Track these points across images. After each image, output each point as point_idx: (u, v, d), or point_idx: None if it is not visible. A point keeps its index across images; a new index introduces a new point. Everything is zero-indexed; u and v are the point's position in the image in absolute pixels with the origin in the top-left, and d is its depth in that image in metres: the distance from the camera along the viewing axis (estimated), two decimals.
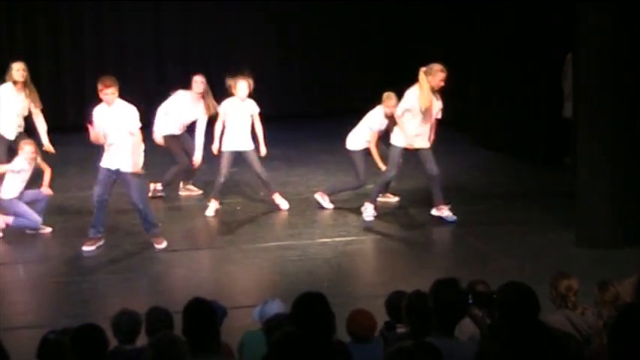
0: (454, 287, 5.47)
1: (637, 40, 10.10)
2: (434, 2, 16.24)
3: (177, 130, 12.33)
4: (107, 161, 10.46)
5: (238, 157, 11.68)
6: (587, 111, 10.40)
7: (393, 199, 12.08)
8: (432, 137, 11.29)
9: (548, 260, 9.85)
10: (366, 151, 11.74)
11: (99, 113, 10.43)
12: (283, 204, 11.95)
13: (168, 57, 16.97)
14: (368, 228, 11.07)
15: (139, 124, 10.43)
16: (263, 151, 11.72)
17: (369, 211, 11.11)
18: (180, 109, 12.21)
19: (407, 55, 16.46)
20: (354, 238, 10.92)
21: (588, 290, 6.70)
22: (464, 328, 5.88)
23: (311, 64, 17.38)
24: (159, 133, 12.23)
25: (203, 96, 12.13)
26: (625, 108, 10.19)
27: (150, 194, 12.09)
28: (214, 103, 12.06)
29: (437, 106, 11.14)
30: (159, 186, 12.45)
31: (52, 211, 11.55)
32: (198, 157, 12.20)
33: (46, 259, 10.55)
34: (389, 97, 11.69)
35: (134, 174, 10.38)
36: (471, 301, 5.96)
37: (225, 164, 11.62)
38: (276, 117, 14.33)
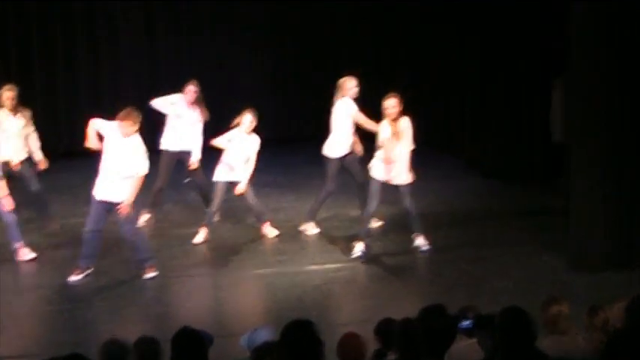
0: (441, 314, 5.42)
1: (629, 61, 10.10)
2: (425, 28, 16.26)
3: (175, 146, 12.32)
4: (102, 193, 10.37)
5: (231, 186, 11.65)
6: (578, 134, 10.40)
7: (376, 224, 11.98)
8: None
9: (541, 284, 9.83)
10: (341, 160, 11.78)
11: (113, 134, 10.33)
12: (271, 233, 11.90)
13: (163, 84, 16.94)
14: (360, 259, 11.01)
15: (147, 168, 10.39)
16: (243, 187, 11.63)
17: (357, 248, 11.04)
18: (178, 118, 12.25)
19: (399, 81, 16.49)
20: (343, 264, 10.87)
21: (580, 314, 6.65)
22: (454, 353, 5.82)
23: (301, 89, 17.37)
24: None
25: (197, 103, 12.22)
26: (616, 132, 10.18)
27: (144, 224, 12.16)
28: (206, 110, 12.25)
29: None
30: (146, 215, 12.40)
31: (43, 238, 11.50)
32: (195, 158, 12.18)
33: (36, 287, 10.49)
34: (345, 81, 11.81)
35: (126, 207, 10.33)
36: (471, 325, 5.92)
37: (219, 194, 11.60)
38: (266, 142, 14.28)
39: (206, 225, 11.72)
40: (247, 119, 11.54)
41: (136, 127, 10.30)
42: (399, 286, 10.44)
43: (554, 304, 6.50)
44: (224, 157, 11.60)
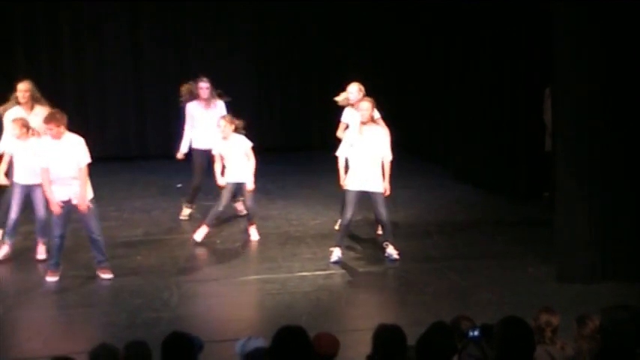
0: (449, 334, 5.45)
1: (613, 73, 10.16)
2: (413, 37, 16.33)
3: (203, 144, 12.53)
4: (59, 193, 10.46)
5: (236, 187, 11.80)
6: (564, 146, 10.46)
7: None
8: None
9: (527, 295, 9.86)
10: None
11: (47, 147, 10.42)
12: (254, 235, 12.04)
13: (148, 96, 16.99)
14: (336, 264, 11.05)
15: (89, 159, 10.46)
16: (250, 185, 11.77)
17: (335, 254, 11.10)
18: (202, 121, 12.54)
19: (385, 90, 16.56)
20: (333, 271, 10.91)
21: (567, 325, 6.70)
22: None
23: (290, 98, 17.42)
24: (184, 148, 12.59)
25: (211, 100, 12.53)
26: (601, 143, 10.24)
27: (186, 218, 12.64)
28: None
29: None
30: (186, 210, 12.82)
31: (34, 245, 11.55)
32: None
33: (23, 292, 10.48)
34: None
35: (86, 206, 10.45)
36: (478, 335, 5.96)
37: (225, 195, 11.75)
38: (255, 150, 14.33)
39: (207, 224, 11.82)
40: (221, 124, 11.74)
41: (63, 126, 10.36)
42: (388, 294, 10.49)
43: (545, 314, 6.55)
44: (226, 164, 11.86)
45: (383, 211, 11.06)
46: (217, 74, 16.82)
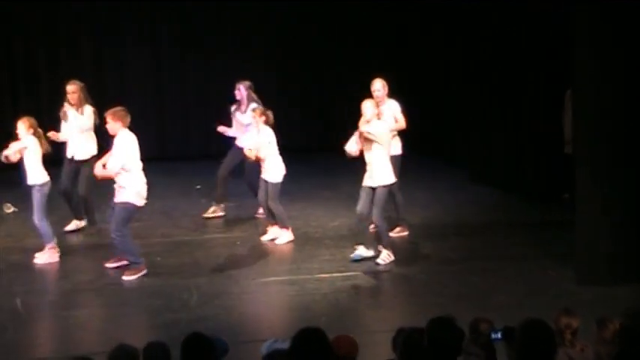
0: (449, 326, 5.45)
1: (633, 76, 10.14)
2: (432, 38, 16.31)
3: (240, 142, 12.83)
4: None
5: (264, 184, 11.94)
6: (585, 147, 10.43)
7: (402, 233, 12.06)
8: None
9: (546, 297, 9.84)
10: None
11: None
12: (279, 239, 12.04)
13: (167, 97, 17.02)
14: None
15: (122, 161, 10.52)
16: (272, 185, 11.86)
17: (383, 255, 11.07)
18: (235, 122, 12.87)
19: (407, 90, 16.54)
20: (352, 273, 10.91)
21: (587, 327, 6.68)
22: None
23: (312, 98, 17.43)
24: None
25: (249, 99, 12.76)
26: (622, 145, 10.21)
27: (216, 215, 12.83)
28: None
29: None
30: (214, 207, 12.96)
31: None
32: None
33: (42, 292, 10.55)
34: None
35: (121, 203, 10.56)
36: (500, 337, 5.97)
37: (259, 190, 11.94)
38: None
39: (275, 224, 11.96)
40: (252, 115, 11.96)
41: (120, 122, 10.54)
42: (406, 296, 10.48)
43: (565, 317, 6.54)
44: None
45: (376, 211, 10.97)
46: (237, 75, 16.97)
